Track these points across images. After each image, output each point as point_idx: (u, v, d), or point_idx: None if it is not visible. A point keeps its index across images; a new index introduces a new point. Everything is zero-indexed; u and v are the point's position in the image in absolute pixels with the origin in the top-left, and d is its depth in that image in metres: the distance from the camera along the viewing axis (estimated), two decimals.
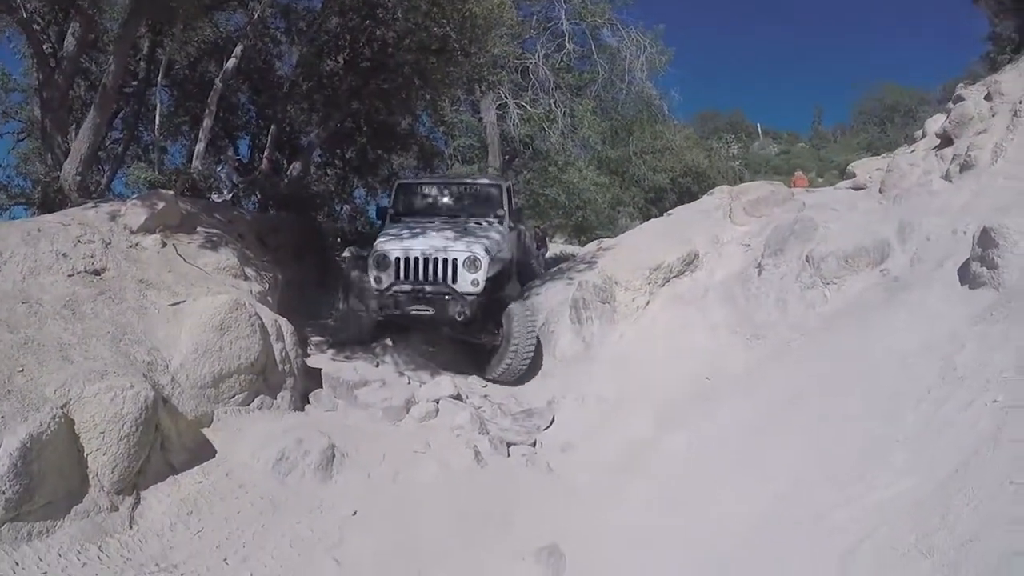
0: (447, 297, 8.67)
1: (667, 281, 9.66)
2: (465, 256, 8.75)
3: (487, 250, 8.93)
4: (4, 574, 3.58)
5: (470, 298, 8.64)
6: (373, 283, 8.84)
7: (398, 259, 8.82)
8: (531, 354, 8.87)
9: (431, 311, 8.72)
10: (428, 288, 8.75)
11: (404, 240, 9.13)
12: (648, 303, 9.43)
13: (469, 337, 9.24)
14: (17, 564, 3.67)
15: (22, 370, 4.64)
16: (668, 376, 7.55)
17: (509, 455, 6.42)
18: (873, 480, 3.88)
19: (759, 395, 6.31)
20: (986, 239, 5.79)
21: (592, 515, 5.04)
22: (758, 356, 7.48)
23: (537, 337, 9.01)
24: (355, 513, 4.89)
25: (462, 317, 8.59)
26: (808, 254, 8.53)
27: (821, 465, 4.36)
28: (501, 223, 10.20)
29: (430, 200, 10.84)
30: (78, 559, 3.86)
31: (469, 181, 11.20)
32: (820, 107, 74.52)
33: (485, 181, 11.19)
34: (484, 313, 8.83)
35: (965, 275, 6.09)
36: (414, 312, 8.76)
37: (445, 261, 8.74)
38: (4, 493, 3.74)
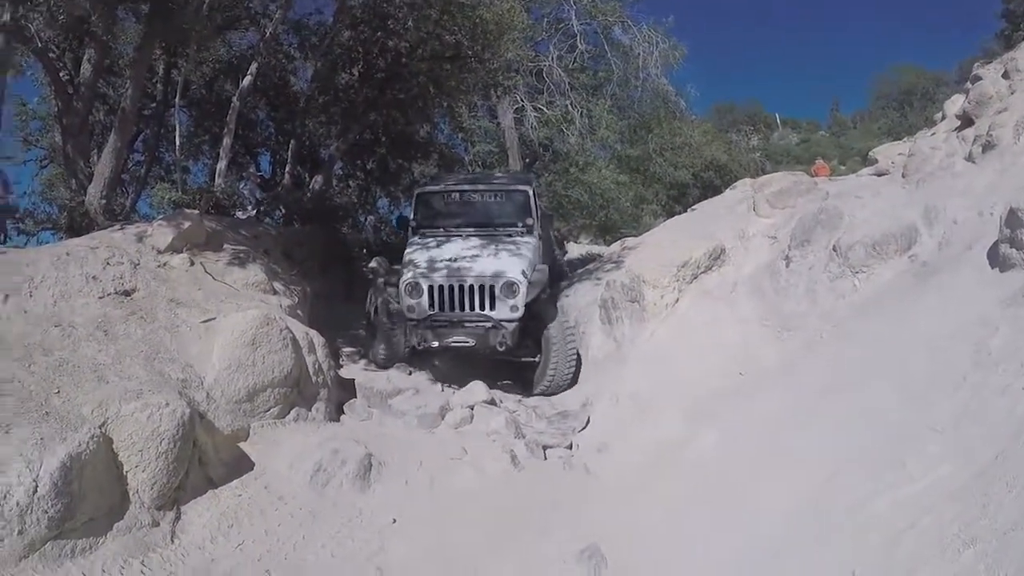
0: (487, 327, 8.39)
1: (695, 277, 9.57)
2: (503, 282, 8.44)
3: (524, 273, 8.64)
4: None
5: (510, 326, 8.38)
6: (407, 312, 8.55)
7: (431, 287, 8.51)
8: (572, 370, 8.69)
9: (471, 342, 8.44)
10: (466, 318, 8.47)
11: (435, 265, 8.78)
12: (677, 300, 9.32)
13: (509, 357, 8.88)
14: None
15: (58, 392, 4.68)
16: (700, 372, 7.48)
17: (546, 458, 6.40)
18: (911, 469, 3.81)
19: (791, 388, 6.26)
20: (1013, 219, 5.68)
21: (630, 514, 5.00)
22: (789, 348, 7.40)
23: (577, 352, 8.81)
24: (394, 521, 4.89)
25: (503, 348, 8.36)
26: (835, 243, 8.42)
27: (857, 455, 4.30)
28: (531, 232, 9.83)
29: (454, 210, 10.30)
30: (121, 574, 3.88)
31: (494, 186, 10.65)
32: (837, 98, 73.93)
33: (511, 186, 10.63)
34: (523, 333, 8.57)
35: (994, 257, 5.98)
36: (454, 344, 8.48)
37: (482, 288, 8.44)
38: (47, 512, 3.75)
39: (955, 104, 10.70)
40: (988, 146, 8.15)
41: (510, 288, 8.41)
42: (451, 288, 8.47)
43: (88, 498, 4.04)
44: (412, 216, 10.29)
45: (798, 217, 9.72)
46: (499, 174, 13.43)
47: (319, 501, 5.00)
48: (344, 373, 7.86)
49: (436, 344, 8.45)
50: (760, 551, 3.94)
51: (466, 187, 10.65)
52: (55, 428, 4.17)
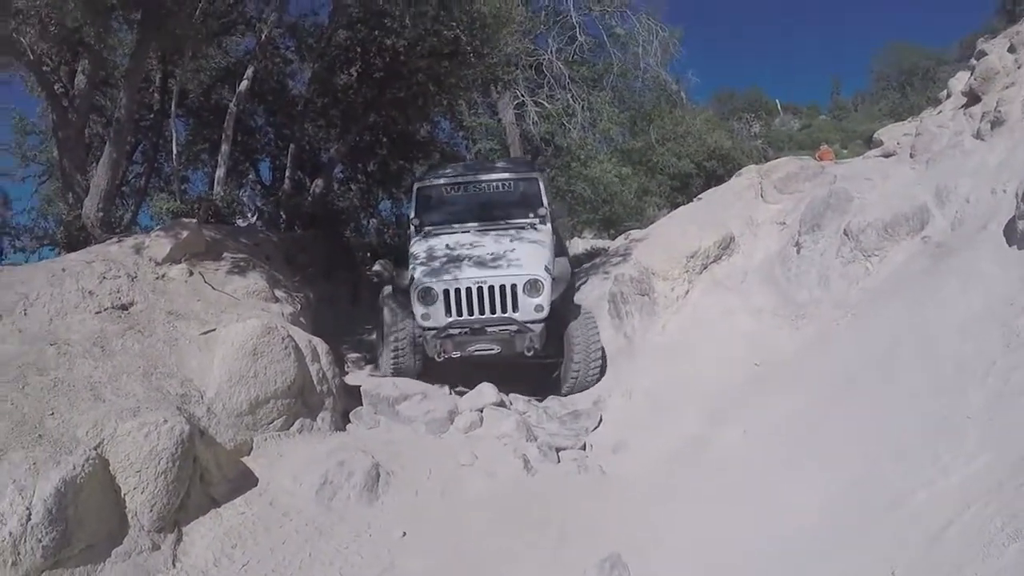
0: (513, 331, 7.80)
1: (705, 267, 9.49)
2: (525, 280, 7.85)
3: (547, 268, 8.07)
4: None
5: (537, 327, 7.80)
6: (421, 320, 7.91)
7: (446, 291, 7.83)
8: (599, 367, 8.22)
9: (497, 349, 7.84)
10: (488, 323, 7.85)
11: (447, 266, 8.15)
12: (688, 291, 9.26)
13: (532, 360, 8.26)
14: None
15: (53, 413, 4.52)
16: (715, 365, 7.38)
17: (559, 461, 6.22)
18: (948, 461, 3.67)
19: (812, 378, 6.14)
20: None
21: (651, 518, 4.84)
22: (806, 337, 7.31)
23: (602, 348, 8.28)
24: (404, 535, 4.73)
25: (531, 352, 7.78)
26: (846, 227, 8.38)
27: (890, 448, 4.16)
28: (544, 223, 9.16)
29: (459, 203, 9.57)
30: None
31: (501, 176, 9.73)
32: (837, 78, 73.70)
33: (519, 175, 9.81)
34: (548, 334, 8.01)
35: (1011, 235, 5.89)
36: (478, 352, 7.85)
37: (503, 288, 7.82)
38: (41, 541, 3.62)
39: (960, 81, 10.62)
40: (997, 122, 8.08)
41: (534, 286, 7.84)
42: (468, 291, 7.80)
43: (85, 523, 3.90)
44: (413, 213, 9.61)
45: (807, 202, 9.69)
46: (501, 162, 12.58)
47: (326, 516, 4.85)
48: (350, 380, 7.70)
49: (458, 354, 7.83)
50: (794, 554, 3.78)
51: (470, 177, 9.87)
52: (49, 451, 4.02)
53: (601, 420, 7.16)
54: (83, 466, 3.98)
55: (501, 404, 7.31)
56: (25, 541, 3.57)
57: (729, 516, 4.42)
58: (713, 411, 6.36)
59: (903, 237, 7.78)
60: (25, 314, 5.78)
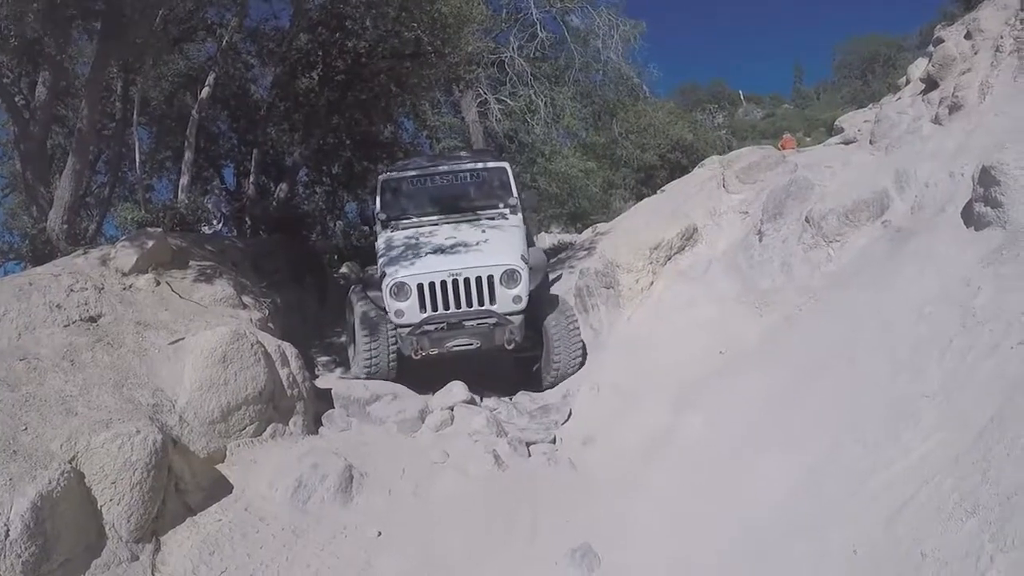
0: (491, 323, 7.61)
1: (669, 259, 9.49)
2: (502, 271, 7.63)
3: (523, 258, 7.87)
4: None
5: (516, 319, 7.65)
6: (394, 317, 7.65)
7: (420, 285, 7.58)
8: (579, 357, 8.09)
9: (476, 343, 7.66)
10: (466, 317, 7.63)
11: (417, 260, 7.88)
12: (652, 283, 9.24)
13: (511, 355, 8.22)
14: None
15: (26, 428, 4.55)
16: (680, 355, 7.42)
17: (530, 455, 6.30)
18: (905, 441, 3.80)
19: (774, 365, 6.23)
20: (986, 178, 5.69)
21: (620, 509, 4.96)
22: (769, 324, 7.37)
23: (582, 338, 8.23)
24: (379, 534, 4.81)
25: (512, 345, 7.64)
26: (807, 214, 8.41)
27: (850, 431, 4.28)
28: (515, 212, 9.00)
29: (425, 195, 9.31)
30: None
31: (468, 166, 9.58)
32: (800, 67, 74.51)
33: (486, 164, 9.64)
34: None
35: (969, 217, 5.99)
36: (456, 348, 7.66)
37: (479, 280, 7.58)
38: (20, 556, 3.66)
39: (919, 68, 10.59)
40: (954, 107, 8.15)
41: (511, 277, 7.64)
42: (443, 284, 7.57)
43: (63, 537, 3.95)
44: (378, 207, 9.23)
45: (768, 191, 9.71)
46: (466, 152, 12.56)
47: (302, 519, 4.91)
48: (320, 383, 7.72)
49: (435, 351, 7.62)
50: (758, 538, 3.92)
51: (436, 168, 9.62)
52: (24, 467, 4.06)
53: (571, 414, 7.22)
54: (59, 480, 4.02)
55: (471, 402, 7.32)
56: (4, 557, 3.61)
57: (694, 503, 4.55)
58: (678, 400, 6.44)
59: (864, 222, 7.81)
60: None
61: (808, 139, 36.58)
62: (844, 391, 4.81)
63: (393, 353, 7.72)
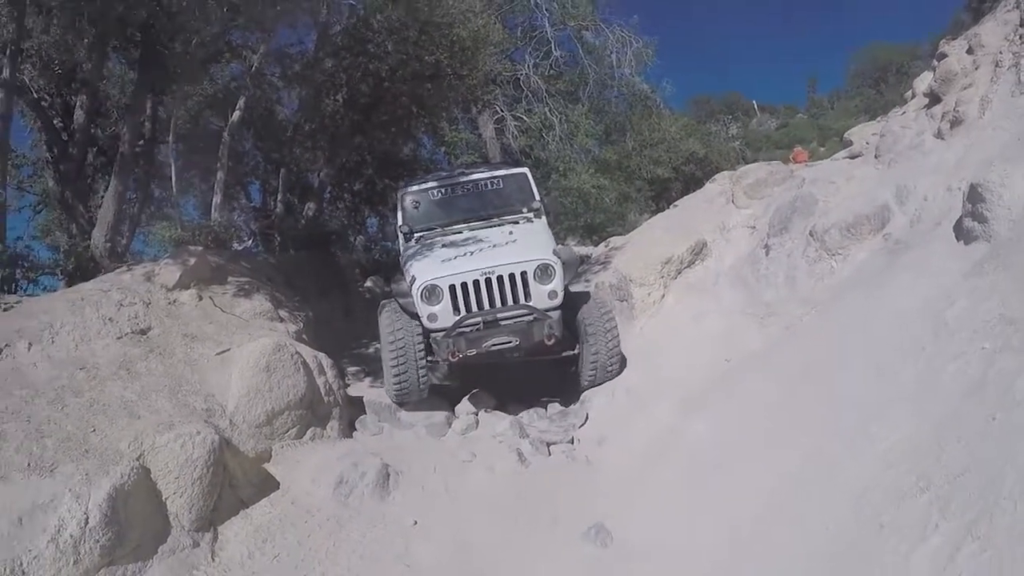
0: (530, 319, 7.32)
1: (679, 273, 9.84)
2: (536, 265, 7.40)
3: (556, 253, 7.67)
4: None
5: (554, 315, 7.38)
6: (427, 322, 7.40)
7: (452, 287, 7.32)
8: (617, 354, 7.88)
9: (515, 341, 7.31)
10: (502, 315, 7.34)
11: (448, 261, 7.64)
12: (663, 296, 9.60)
13: (549, 356, 7.90)
14: None
15: (94, 430, 5.06)
16: (688, 363, 7.76)
17: (550, 454, 6.70)
18: (877, 434, 4.20)
19: (774, 371, 6.57)
20: (974, 194, 5.91)
21: (630, 499, 5.38)
22: (772, 333, 7.68)
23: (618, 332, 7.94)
24: (415, 523, 5.26)
25: (552, 340, 7.34)
26: (811, 229, 8.64)
27: (833, 428, 4.66)
28: (539, 216, 8.83)
29: (449, 204, 9.14)
30: None
31: (488, 174, 9.38)
32: (814, 79, 74.25)
33: (506, 171, 9.51)
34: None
35: (960, 231, 6.18)
36: (495, 348, 7.33)
37: (512, 276, 7.33)
38: (99, 541, 4.13)
39: (924, 82, 10.56)
40: (956, 122, 8.24)
41: (545, 271, 7.41)
42: (476, 284, 7.31)
43: (134, 525, 4.40)
44: (400, 220, 9.14)
45: (775, 206, 9.97)
46: (484, 164, 12.50)
47: (344, 511, 5.37)
48: (352, 391, 8.16)
49: (472, 352, 7.30)
50: (749, 517, 4.34)
51: (457, 178, 9.47)
52: (97, 463, 4.55)
53: (587, 418, 7.54)
54: (129, 475, 4.49)
55: (495, 408, 7.76)
56: (84, 542, 4.07)
57: (696, 494, 4.97)
58: (686, 405, 6.78)
59: (865, 236, 8.00)
60: (52, 341, 6.24)
61: (822, 149, 36.71)
62: (831, 394, 5.17)
63: (424, 372, 7.45)
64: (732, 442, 5.52)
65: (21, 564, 3.86)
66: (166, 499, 4.73)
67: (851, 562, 3.42)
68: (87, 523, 4.13)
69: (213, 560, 4.65)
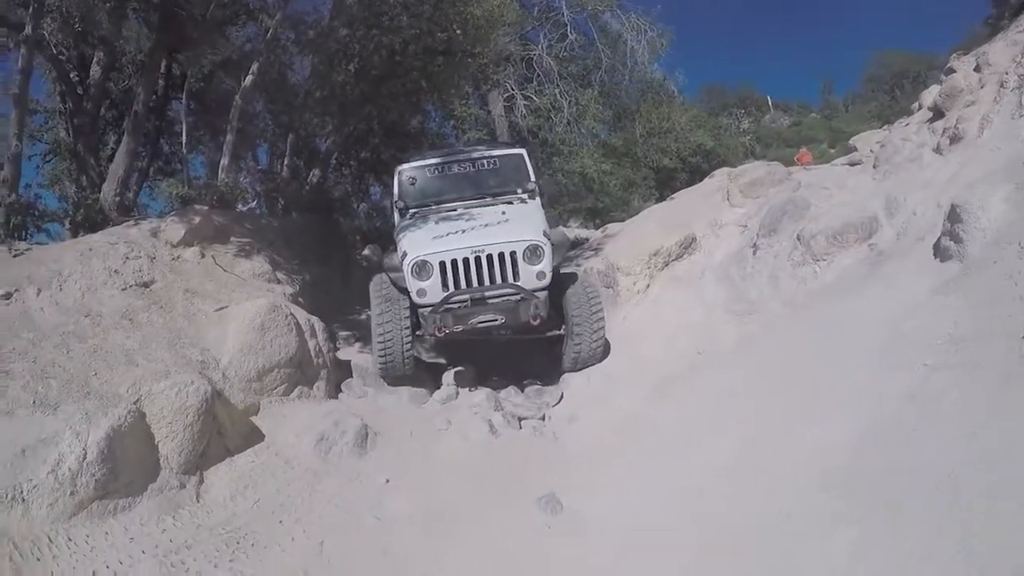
0: (517, 299, 7.47)
1: (666, 264, 10.05)
2: (525, 245, 7.53)
3: (545, 234, 7.80)
4: (97, 542, 4.28)
5: (541, 295, 7.52)
6: (416, 297, 7.52)
7: (442, 263, 7.45)
8: (601, 338, 8.02)
9: (501, 319, 7.49)
10: (490, 293, 7.50)
11: (439, 239, 7.74)
12: (648, 286, 9.83)
13: (535, 335, 8.03)
14: (107, 533, 4.38)
15: (96, 374, 5.44)
16: (665, 353, 8.02)
17: (521, 427, 6.98)
18: (816, 427, 4.55)
19: (741, 365, 6.86)
20: (954, 214, 6.03)
21: (589, 472, 5.68)
22: (748, 331, 7.90)
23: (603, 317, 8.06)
24: (388, 481, 5.56)
25: (538, 320, 7.47)
26: (799, 233, 8.77)
27: (780, 418, 5.00)
28: (533, 197, 8.97)
29: (443, 183, 9.27)
30: (157, 527, 4.58)
31: (485, 153, 9.52)
32: (830, 80, 73.67)
33: (503, 151, 9.63)
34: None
35: (937, 249, 6.29)
36: (481, 325, 7.50)
37: (501, 256, 7.47)
38: (94, 476, 4.48)
39: (930, 95, 10.54)
40: (955, 138, 8.28)
41: (534, 252, 7.54)
42: (466, 261, 7.44)
43: (127, 463, 4.74)
44: (396, 196, 9.27)
45: (768, 207, 10.13)
46: (482, 143, 12.55)
47: (323, 465, 5.71)
48: (341, 355, 8.45)
49: (459, 328, 7.48)
50: (697, 490, 4.68)
51: (453, 157, 9.63)
52: (97, 405, 4.93)
53: (562, 397, 7.81)
54: (126, 417, 4.84)
55: (478, 386, 7.99)
56: (81, 476, 4.42)
57: (654, 470, 5.28)
58: (656, 392, 7.06)
59: (851, 244, 8.10)
60: (60, 289, 6.64)
61: (832, 151, 36.66)
62: (783, 391, 5.48)
63: (409, 349, 7.58)
64: (693, 426, 5.83)
65: (22, 491, 4.20)
66: (158, 442, 5.07)
67: (769, 542, 3.75)
68: (85, 458, 4.47)
69: (198, 501, 5.00)
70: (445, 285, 7.47)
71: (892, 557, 3.10)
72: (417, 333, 7.88)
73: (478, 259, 7.46)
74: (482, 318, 7.47)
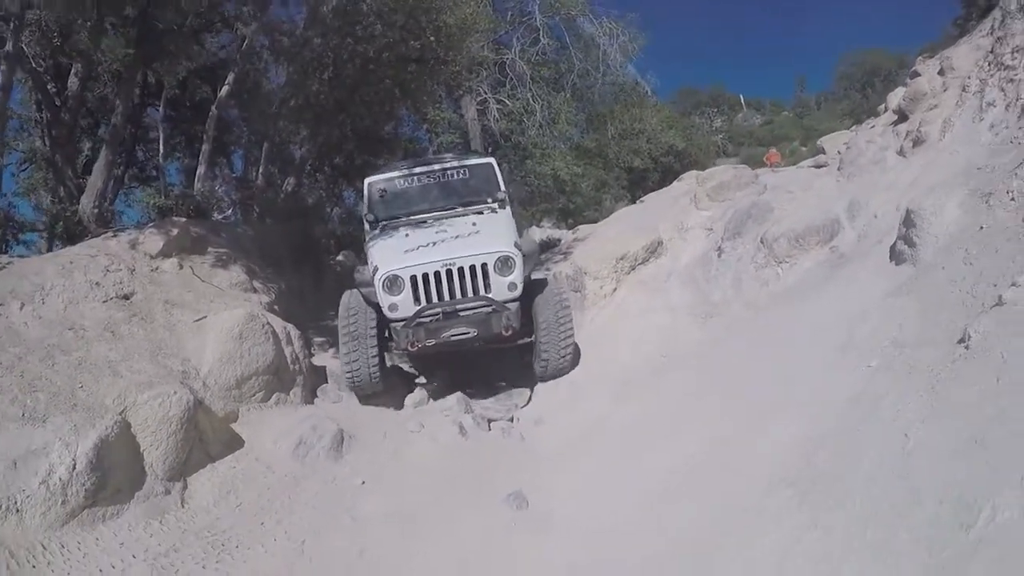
0: (488, 311, 7.47)
1: (632, 269, 10.28)
2: (496, 257, 7.53)
3: (516, 245, 7.80)
4: (89, 548, 4.52)
5: (512, 306, 7.52)
6: (388, 312, 7.50)
7: (413, 277, 7.42)
8: (569, 347, 8.05)
9: (473, 332, 7.46)
10: (462, 306, 7.48)
11: (410, 252, 7.70)
12: (615, 290, 10.05)
13: (507, 344, 8.07)
14: (98, 539, 4.62)
15: (82, 386, 5.65)
16: (629, 356, 8.27)
17: (490, 429, 7.23)
18: (770, 429, 4.82)
19: (703, 368, 7.11)
20: (908, 219, 6.18)
21: (554, 472, 5.95)
22: (711, 334, 8.14)
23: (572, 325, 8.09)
24: (363, 483, 5.84)
25: (509, 332, 7.47)
26: (763, 236, 8.93)
27: (740, 419, 5.24)
28: (503, 207, 8.93)
29: (413, 194, 9.18)
30: (145, 532, 4.83)
31: (454, 164, 9.41)
32: (802, 77, 74.50)
33: (473, 161, 9.57)
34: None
35: (893, 252, 6.45)
36: (454, 338, 7.47)
37: (473, 268, 7.45)
38: (84, 485, 4.72)
39: (896, 97, 10.45)
40: (918, 141, 8.42)
41: (505, 263, 7.53)
42: (437, 275, 7.41)
43: (114, 472, 4.98)
44: (366, 208, 9.16)
45: (733, 210, 10.37)
46: (451, 153, 12.14)
47: (301, 469, 5.97)
48: (316, 361, 8.68)
49: (431, 342, 7.46)
50: (656, 489, 4.94)
51: (423, 168, 9.51)
52: (84, 416, 5.15)
53: (530, 400, 8.08)
54: (113, 427, 5.08)
55: (450, 388, 8.23)
56: (71, 485, 4.66)
57: (616, 469, 5.56)
58: (618, 395, 7.30)
59: (813, 247, 8.27)
60: (43, 302, 6.82)
61: (804, 148, 37.24)
62: (748, 388, 5.73)
63: (375, 367, 7.57)
64: (653, 428, 6.10)
65: (15, 502, 4.45)
66: (143, 451, 5.31)
67: (726, 538, 4.00)
68: (74, 468, 4.71)
69: (182, 506, 5.26)
70: (417, 299, 7.46)
71: (828, 546, 3.38)
72: (391, 345, 8.04)
73: (449, 272, 7.45)
74: (454, 331, 7.46)
